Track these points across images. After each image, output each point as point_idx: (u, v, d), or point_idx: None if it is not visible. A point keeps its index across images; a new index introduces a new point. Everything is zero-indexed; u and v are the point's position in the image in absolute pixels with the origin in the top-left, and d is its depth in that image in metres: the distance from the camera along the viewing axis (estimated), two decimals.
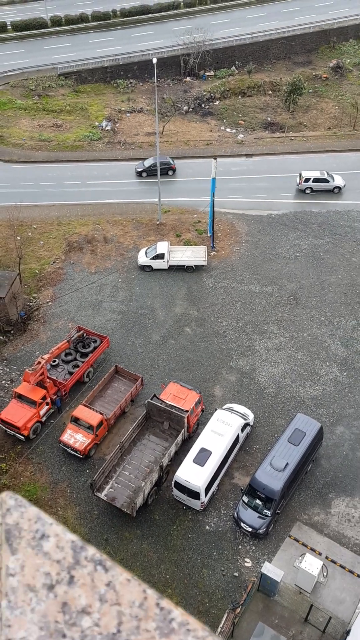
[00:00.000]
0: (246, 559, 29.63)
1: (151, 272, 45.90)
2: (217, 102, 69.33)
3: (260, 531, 30.00)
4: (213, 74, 74.21)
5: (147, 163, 54.85)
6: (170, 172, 55.17)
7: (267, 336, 40.94)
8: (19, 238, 46.78)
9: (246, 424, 34.05)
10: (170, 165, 55.10)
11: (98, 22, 79.88)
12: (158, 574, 28.87)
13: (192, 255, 45.97)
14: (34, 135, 60.76)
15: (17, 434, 33.98)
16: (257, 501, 30.46)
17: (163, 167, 52.42)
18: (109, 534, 30.27)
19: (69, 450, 33.50)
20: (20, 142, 59.45)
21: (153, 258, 45.58)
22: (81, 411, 34.22)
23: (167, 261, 45.50)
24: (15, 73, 69.66)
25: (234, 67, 74.90)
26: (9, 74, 69.42)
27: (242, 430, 33.59)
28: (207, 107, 68.57)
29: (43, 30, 77.95)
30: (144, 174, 55.01)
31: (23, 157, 57.42)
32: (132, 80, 72.22)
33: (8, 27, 78.02)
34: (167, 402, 34.30)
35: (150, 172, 53.70)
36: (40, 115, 64.48)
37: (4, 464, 32.83)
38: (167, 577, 28.82)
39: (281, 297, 43.75)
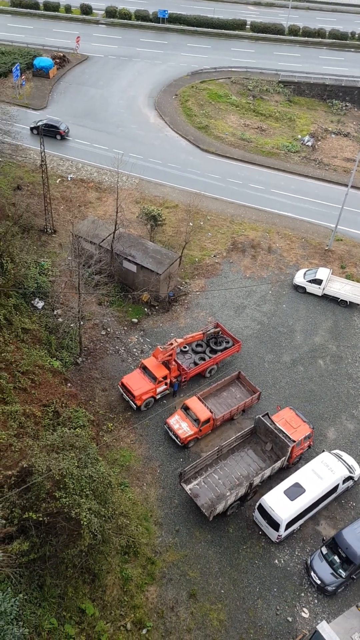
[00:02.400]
0: (304, 609, 28.34)
1: (303, 294, 45.12)
2: None
3: (329, 588, 28.49)
4: None
5: (39, 122, 55.53)
6: (58, 137, 55.95)
7: None
8: (191, 224, 48.44)
9: (350, 477, 32.37)
10: (58, 130, 56.04)
11: (333, 40, 79.47)
12: (214, 585, 28.67)
13: (351, 290, 44.37)
14: (236, 132, 62.25)
15: (131, 402, 35.52)
16: (336, 558, 28.94)
17: (51, 129, 54.80)
18: (181, 527, 30.61)
19: (170, 434, 34.32)
20: (223, 136, 61.26)
21: (310, 281, 44.73)
22: (193, 402, 34.83)
23: (323, 288, 44.40)
24: (239, 70, 71.89)
25: None
26: (233, 69, 71.83)
27: (344, 482, 31.99)
28: None
29: (278, 36, 79.37)
30: (35, 131, 55.37)
31: (220, 150, 59.14)
32: (348, 104, 70.94)
33: (247, 26, 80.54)
34: (278, 425, 33.72)
35: (41, 131, 47.70)
36: (248, 115, 65.85)
37: (111, 424, 34.54)
38: (222, 591, 28.51)
39: None
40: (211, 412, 34.48)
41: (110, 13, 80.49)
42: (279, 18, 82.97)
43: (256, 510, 30.66)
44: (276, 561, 30.02)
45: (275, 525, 29.60)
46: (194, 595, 28.14)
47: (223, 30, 79.64)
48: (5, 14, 79.84)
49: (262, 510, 30.14)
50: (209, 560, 29.54)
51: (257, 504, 30.59)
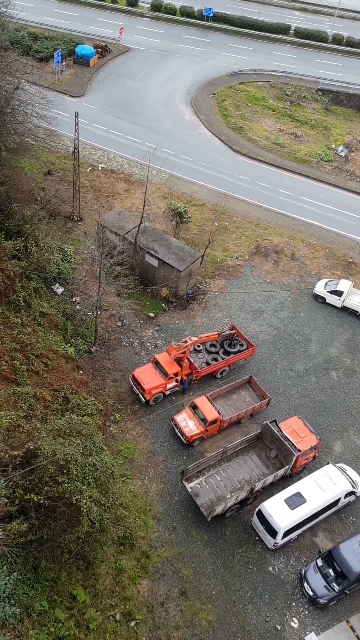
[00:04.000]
0: (294, 619, 28.25)
1: (323, 304, 44.86)
2: None
3: (321, 601, 28.37)
4: None
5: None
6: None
7: None
8: (216, 224, 48.40)
9: (352, 492, 32.16)
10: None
11: None
12: (206, 585, 28.71)
13: None
14: (270, 136, 62.00)
15: (140, 395, 35.64)
16: (331, 571, 28.81)
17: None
18: (179, 524, 30.68)
19: (176, 431, 34.37)
20: (256, 138, 61.05)
21: (330, 292, 44.44)
22: (202, 402, 34.84)
23: (343, 300, 44.10)
24: (279, 74, 71.55)
25: None
26: (273, 73, 71.52)
27: (346, 496, 31.79)
28: None
29: (321, 43, 78.82)
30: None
31: (252, 153, 58.96)
32: None
33: (291, 31, 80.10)
34: (285, 433, 33.60)
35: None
36: (284, 120, 65.52)
37: (119, 415, 34.70)
38: (214, 592, 28.53)
39: None
40: (219, 413, 34.47)
41: (156, 7, 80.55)
42: (324, 26, 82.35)
43: (255, 516, 30.61)
44: (270, 568, 29.96)
45: (272, 533, 29.53)
46: (185, 593, 28.20)
47: (266, 34, 79.26)
48: (51, 0, 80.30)
49: (261, 516, 30.08)
50: (204, 560, 29.58)
51: (257, 509, 30.54)
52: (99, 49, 69.38)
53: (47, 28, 71.48)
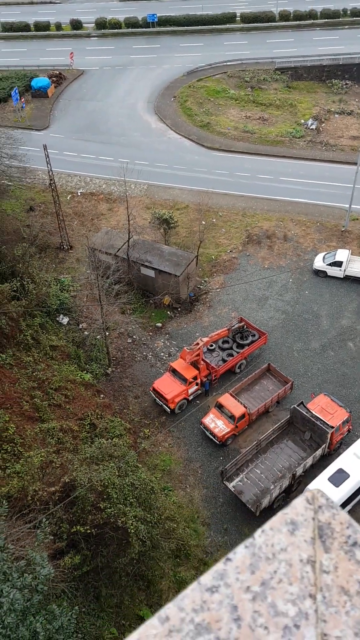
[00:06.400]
0: None
1: (325, 278, 44.69)
2: None
3: None
4: None
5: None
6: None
7: None
8: (203, 223, 48.46)
9: None
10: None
11: (326, 20, 78.57)
12: None
13: None
14: (239, 125, 62.05)
15: (164, 406, 35.69)
16: None
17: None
18: (229, 525, 30.62)
19: (207, 433, 34.36)
20: (225, 131, 61.13)
21: (330, 264, 44.27)
22: (226, 399, 34.81)
23: (344, 270, 43.89)
24: (234, 63, 71.63)
25: None
26: (228, 63, 71.57)
27: None
28: None
29: (269, 24, 78.86)
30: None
31: (224, 145, 59.03)
32: (348, 82, 70.07)
33: (237, 18, 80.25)
34: (314, 413, 33.46)
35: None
36: (249, 107, 65.57)
37: (148, 430, 34.77)
38: None
39: None
40: (245, 407, 34.41)
41: (101, 24, 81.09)
42: (268, 5, 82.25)
43: None
44: None
45: None
46: None
47: (214, 26, 79.48)
48: None
49: None
50: None
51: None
52: (54, 78, 69.91)
53: None
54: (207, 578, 1.84)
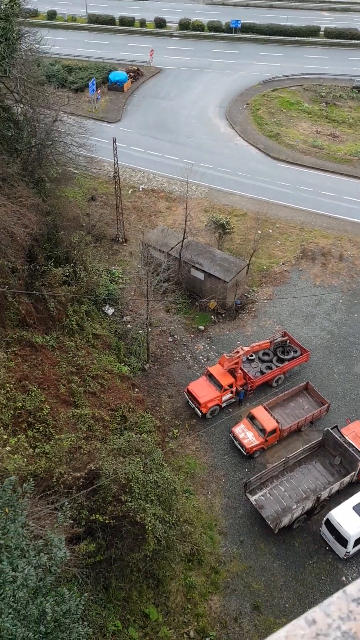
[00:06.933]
0: None
1: None
2: None
3: None
4: None
5: None
6: None
7: None
8: (259, 232, 48.19)
9: None
10: None
11: None
12: (278, 599, 28.17)
13: None
14: (308, 139, 61.40)
15: (196, 409, 35.65)
16: None
17: None
18: (246, 538, 30.30)
19: (236, 443, 34.12)
20: (294, 143, 60.61)
21: None
22: (260, 412, 34.48)
23: None
24: (312, 77, 70.96)
25: None
26: (306, 77, 70.98)
27: None
28: None
29: (353, 41, 77.75)
30: None
31: (291, 158, 58.51)
32: None
33: (321, 32, 79.50)
34: (347, 439, 32.78)
35: None
36: (321, 122, 64.79)
37: (177, 430, 34.81)
38: (287, 606, 27.95)
39: None
40: (278, 423, 34.00)
41: (184, 25, 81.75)
42: (354, 23, 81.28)
43: (323, 525, 29.87)
44: (343, 578, 29.09)
45: (343, 542, 28.72)
46: (257, 608, 27.75)
47: (296, 38, 78.92)
48: (82, 30, 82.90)
49: (330, 526, 29.32)
50: (274, 573, 29.06)
51: (325, 518, 29.81)
52: (131, 74, 70.96)
53: (81, 59, 73.76)
54: (353, 589, 1.89)
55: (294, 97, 68.11)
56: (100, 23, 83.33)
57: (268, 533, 30.29)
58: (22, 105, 37.90)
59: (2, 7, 32.08)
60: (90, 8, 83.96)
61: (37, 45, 40.21)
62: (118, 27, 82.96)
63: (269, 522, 29.86)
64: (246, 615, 27.54)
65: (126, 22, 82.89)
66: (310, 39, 78.97)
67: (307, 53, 76.73)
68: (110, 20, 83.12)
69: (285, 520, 29.56)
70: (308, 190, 54.57)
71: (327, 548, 30.03)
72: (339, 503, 30.28)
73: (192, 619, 26.88)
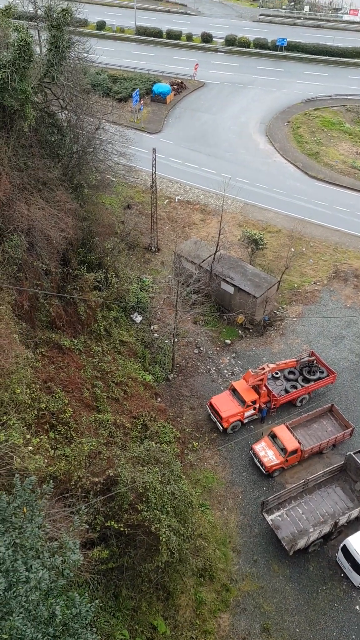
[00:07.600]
0: None
1: None
2: None
3: None
4: None
5: None
6: None
7: None
8: (292, 250, 47.95)
9: None
10: None
11: None
12: (289, 622, 27.64)
13: None
14: (347, 160, 61.04)
15: (218, 423, 35.45)
16: None
17: None
18: (259, 557, 29.89)
19: (255, 460, 33.78)
20: (333, 163, 60.31)
21: None
22: (282, 431, 34.10)
23: None
24: (355, 98, 70.72)
25: None
26: (349, 97, 70.77)
27: None
28: None
29: None
30: None
31: (329, 177, 58.22)
32: None
33: None
34: None
35: None
36: None
37: (197, 443, 34.66)
38: (297, 630, 27.40)
39: None
40: (299, 443, 33.57)
41: (230, 41, 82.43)
42: None
43: (340, 552, 29.29)
44: (357, 607, 28.41)
45: (359, 570, 28.08)
46: (267, 630, 27.28)
47: (342, 59, 78.82)
48: (130, 42, 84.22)
49: (347, 552, 28.74)
50: (286, 595, 28.56)
51: (341, 544, 29.23)
52: (175, 86, 71.72)
53: (126, 69, 74.89)
54: None
55: (335, 117, 67.89)
56: (148, 35, 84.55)
57: (282, 554, 29.83)
58: (66, 112, 38.60)
59: (54, 15, 32.82)
60: (139, 20, 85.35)
61: (86, 54, 40.99)
62: (165, 40, 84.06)
63: (284, 544, 29.42)
64: (255, 636, 27.09)
65: (173, 35, 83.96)
66: (356, 60, 78.75)
67: (351, 74, 76.50)
68: (157, 33, 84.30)
69: (301, 543, 29.08)
70: (344, 210, 54.16)
71: (342, 575, 29.41)
72: (357, 530, 29.68)
73: (200, 635, 26.57)
